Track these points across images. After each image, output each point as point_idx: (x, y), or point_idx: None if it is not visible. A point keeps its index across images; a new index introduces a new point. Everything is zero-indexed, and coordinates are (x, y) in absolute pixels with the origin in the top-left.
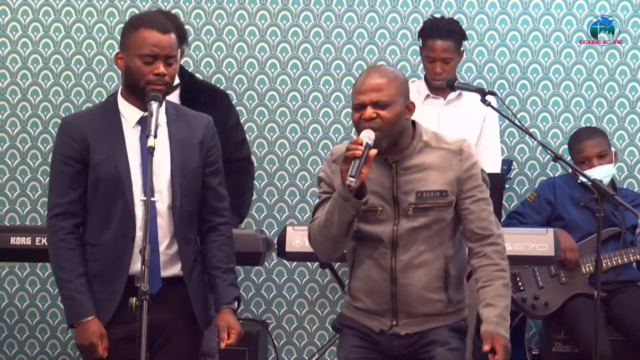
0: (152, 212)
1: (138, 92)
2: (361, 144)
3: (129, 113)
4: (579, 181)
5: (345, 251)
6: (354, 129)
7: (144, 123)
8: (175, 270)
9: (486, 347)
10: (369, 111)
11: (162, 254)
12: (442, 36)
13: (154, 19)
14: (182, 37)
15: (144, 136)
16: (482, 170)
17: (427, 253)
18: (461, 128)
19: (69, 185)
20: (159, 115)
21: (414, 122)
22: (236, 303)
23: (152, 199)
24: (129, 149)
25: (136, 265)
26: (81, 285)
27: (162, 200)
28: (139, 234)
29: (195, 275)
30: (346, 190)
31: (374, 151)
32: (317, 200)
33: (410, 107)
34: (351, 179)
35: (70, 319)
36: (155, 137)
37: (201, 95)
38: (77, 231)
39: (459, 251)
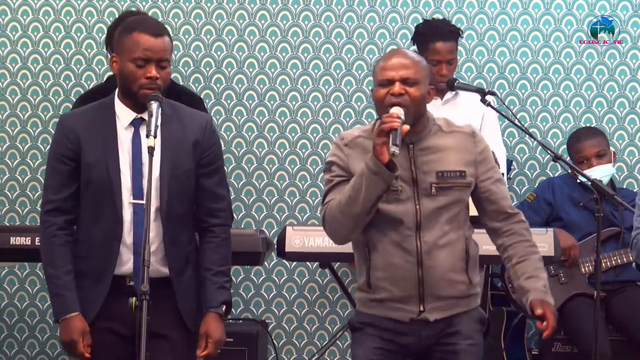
0: (141, 215)
1: (131, 95)
2: (396, 117)
3: (123, 114)
4: (578, 181)
5: (352, 245)
6: (338, 135)
7: (137, 124)
8: (165, 271)
9: (539, 311)
10: (398, 86)
11: (152, 255)
12: (444, 38)
13: (146, 23)
14: None
15: (137, 138)
16: (492, 152)
17: (451, 233)
18: None
19: (62, 182)
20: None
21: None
22: (224, 307)
23: (141, 201)
24: (121, 151)
25: (124, 267)
26: (68, 282)
27: (152, 203)
28: (127, 236)
29: (187, 276)
30: (378, 163)
31: (406, 127)
32: (327, 186)
33: (430, 92)
34: (395, 147)
35: (56, 315)
36: (155, 137)
37: (182, 97)
38: (68, 227)
39: (472, 234)
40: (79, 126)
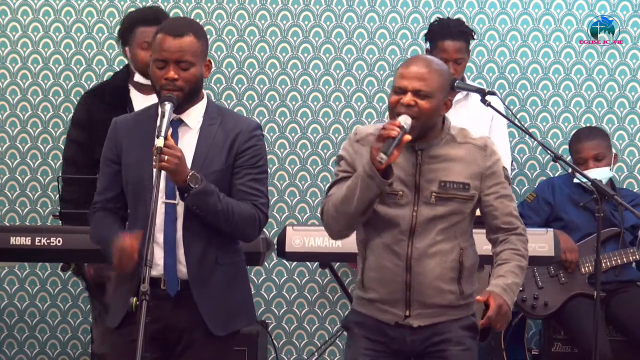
0: (172, 215)
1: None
2: (398, 126)
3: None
4: (576, 181)
5: (356, 239)
6: (354, 129)
7: (176, 125)
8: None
9: (479, 298)
10: (409, 97)
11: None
12: (453, 37)
13: (169, 23)
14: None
15: (174, 138)
16: (504, 168)
17: (443, 243)
18: (470, 128)
19: (106, 185)
20: (194, 117)
21: (443, 116)
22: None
23: (173, 201)
24: None
25: (158, 267)
26: (112, 230)
27: (182, 203)
28: (158, 235)
29: (216, 278)
30: (373, 168)
31: (408, 137)
32: (333, 179)
33: (447, 104)
34: (382, 155)
35: (107, 253)
36: (165, 138)
37: None
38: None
39: (472, 244)
40: (123, 128)
